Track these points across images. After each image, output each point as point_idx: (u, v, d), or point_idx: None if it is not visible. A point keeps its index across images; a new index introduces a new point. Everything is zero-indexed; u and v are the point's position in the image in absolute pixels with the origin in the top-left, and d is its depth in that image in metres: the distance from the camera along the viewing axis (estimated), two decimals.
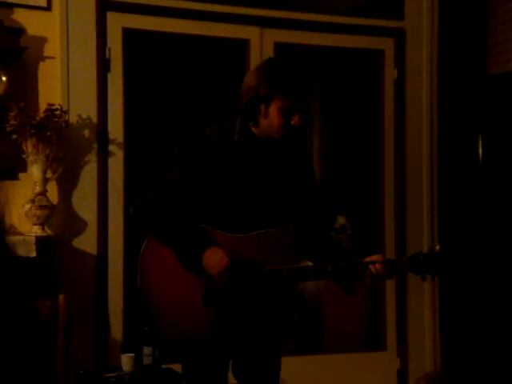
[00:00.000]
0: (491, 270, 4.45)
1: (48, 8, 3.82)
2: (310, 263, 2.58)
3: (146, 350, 3.60)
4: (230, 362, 2.59)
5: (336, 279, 2.51)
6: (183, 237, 2.36)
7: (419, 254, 2.48)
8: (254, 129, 2.49)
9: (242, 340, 2.50)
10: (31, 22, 3.78)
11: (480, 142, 4.53)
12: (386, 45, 4.59)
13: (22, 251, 3.49)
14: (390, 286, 4.55)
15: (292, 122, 2.42)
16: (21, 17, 3.75)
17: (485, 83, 4.51)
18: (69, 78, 3.86)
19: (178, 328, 2.43)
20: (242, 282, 2.40)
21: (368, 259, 2.46)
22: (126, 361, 3.56)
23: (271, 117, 2.42)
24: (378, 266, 2.43)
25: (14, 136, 3.57)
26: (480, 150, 4.53)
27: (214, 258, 2.34)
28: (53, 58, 3.83)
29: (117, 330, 3.97)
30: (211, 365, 2.52)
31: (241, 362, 2.57)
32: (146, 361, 3.60)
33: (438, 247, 2.50)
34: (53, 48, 3.83)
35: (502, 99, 4.43)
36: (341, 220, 5.00)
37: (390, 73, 4.59)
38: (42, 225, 3.66)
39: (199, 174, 2.44)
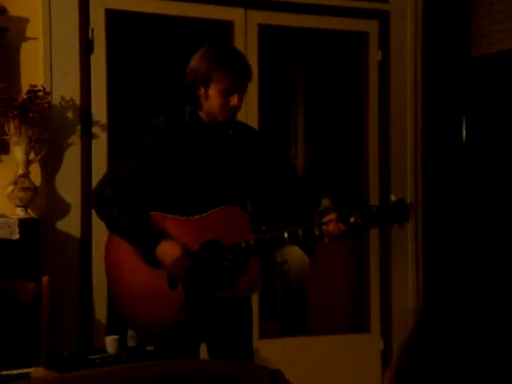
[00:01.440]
0: (475, 252, 4.48)
1: None
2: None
3: (131, 333, 3.61)
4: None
5: (295, 245, 2.52)
6: (137, 233, 2.44)
7: (371, 206, 2.45)
8: (200, 113, 2.55)
9: (212, 318, 2.56)
10: (13, 2, 3.74)
11: (464, 124, 4.55)
12: (371, 27, 4.59)
13: (4, 233, 3.47)
14: (374, 267, 4.58)
15: (231, 103, 2.48)
16: None
17: (468, 65, 4.52)
18: (51, 59, 3.83)
19: (149, 314, 2.49)
20: (205, 261, 2.45)
21: (322, 220, 2.46)
22: (110, 343, 3.56)
23: (211, 99, 2.49)
24: (331, 225, 2.41)
25: None
26: (463, 132, 4.55)
27: (167, 252, 2.39)
28: (35, 38, 3.80)
29: (101, 312, 3.97)
30: (182, 346, 2.56)
31: (213, 343, 2.63)
32: (131, 343, 3.61)
33: (393, 198, 2.47)
34: (35, 29, 3.80)
35: (485, 81, 4.44)
36: (325, 202, 5.01)
37: (375, 55, 4.59)
38: (25, 207, 3.64)
39: (153, 164, 2.51)
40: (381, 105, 4.59)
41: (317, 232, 2.43)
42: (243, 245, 2.43)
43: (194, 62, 2.54)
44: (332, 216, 2.44)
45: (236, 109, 2.52)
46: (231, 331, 2.62)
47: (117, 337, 3.58)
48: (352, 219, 2.42)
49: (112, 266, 2.56)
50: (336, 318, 4.91)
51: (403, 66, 4.58)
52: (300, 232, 2.43)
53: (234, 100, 2.49)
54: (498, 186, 4.36)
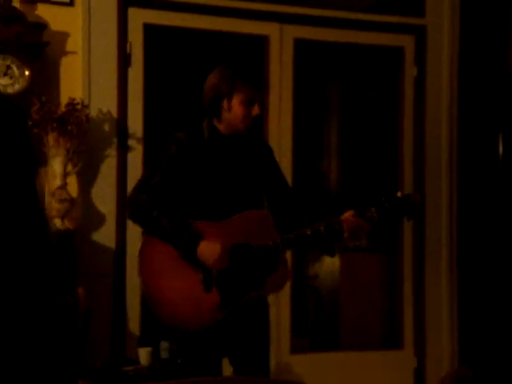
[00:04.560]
0: (510, 265, 4.43)
1: (71, 3, 3.86)
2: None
3: (164, 344, 3.62)
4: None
5: (317, 243, 2.71)
6: (178, 233, 2.58)
7: (383, 202, 2.70)
8: (219, 125, 2.73)
9: (232, 334, 2.68)
10: (54, 18, 3.81)
11: (500, 140, 4.50)
12: (406, 42, 4.57)
13: None
14: (407, 283, 4.54)
15: (253, 113, 2.68)
16: (44, 12, 3.78)
17: (506, 81, 4.48)
18: (90, 72, 3.88)
19: (187, 313, 2.61)
20: (236, 264, 2.61)
21: (341, 217, 2.66)
22: (143, 355, 3.58)
23: (234, 110, 2.67)
24: (350, 219, 2.64)
25: (36, 130, 3.59)
26: (500, 148, 4.50)
27: (208, 249, 2.56)
28: (75, 52, 3.86)
29: (134, 323, 3.99)
30: (206, 361, 2.69)
31: (234, 358, 2.75)
32: (164, 355, 3.62)
33: (399, 193, 2.74)
34: (75, 43, 3.86)
35: None
36: None
37: (410, 70, 4.57)
38: (62, 218, 3.68)
39: (179, 173, 2.68)
40: (416, 120, 4.57)
41: (337, 227, 2.63)
42: (271, 243, 2.61)
43: (214, 79, 2.72)
44: (350, 212, 2.66)
45: (257, 118, 2.73)
46: (250, 346, 2.74)
47: (150, 349, 3.59)
48: (368, 214, 2.66)
49: (147, 269, 2.66)
50: (368, 334, 4.88)
51: (439, 81, 4.56)
52: (322, 228, 2.63)
53: (256, 110, 2.68)
54: None
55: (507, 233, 4.45)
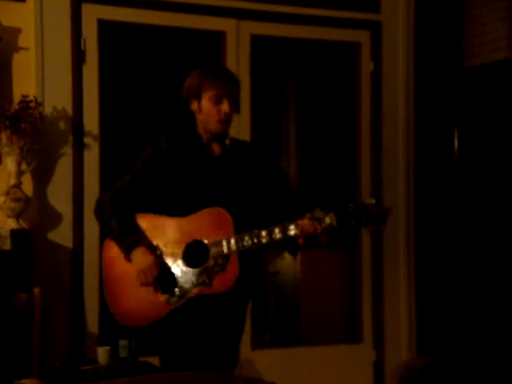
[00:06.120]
0: (466, 260, 4.50)
1: None
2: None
3: (122, 343, 3.58)
4: None
5: (275, 244, 2.66)
6: (122, 235, 2.66)
7: (347, 207, 2.52)
8: (199, 131, 2.74)
9: (196, 318, 2.70)
10: (5, 13, 3.75)
11: (456, 134, 4.56)
12: (363, 37, 4.60)
13: None
14: (366, 277, 4.58)
15: (223, 110, 2.66)
16: None
17: (461, 75, 4.54)
18: (43, 69, 3.83)
19: (138, 309, 2.70)
20: (189, 259, 2.63)
21: (298, 220, 2.55)
22: (101, 353, 3.53)
23: (204, 109, 2.68)
24: (306, 222, 2.51)
25: None
26: (456, 142, 4.56)
27: (139, 258, 2.60)
28: (27, 49, 3.80)
29: (93, 322, 3.95)
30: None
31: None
32: (123, 353, 3.58)
33: (372, 201, 2.54)
34: (27, 39, 3.80)
35: (478, 91, 4.47)
36: (317, 213, 5.00)
37: (367, 65, 4.60)
38: (17, 217, 3.63)
39: (149, 177, 2.73)
40: (373, 115, 4.60)
41: (292, 230, 2.52)
42: (224, 243, 2.58)
43: (186, 82, 2.76)
44: (307, 215, 2.54)
45: (228, 116, 2.68)
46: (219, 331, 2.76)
47: (108, 347, 3.55)
48: (327, 219, 2.53)
49: (107, 265, 2.76)
50: (328, 329, 4.90)
51: (395, 76, 4.59)
52: (277, 230, 2.54)
53: (225, 106, 2.65)
54: (490, 194, 4.37)
55: (463, 226, 4.51)
